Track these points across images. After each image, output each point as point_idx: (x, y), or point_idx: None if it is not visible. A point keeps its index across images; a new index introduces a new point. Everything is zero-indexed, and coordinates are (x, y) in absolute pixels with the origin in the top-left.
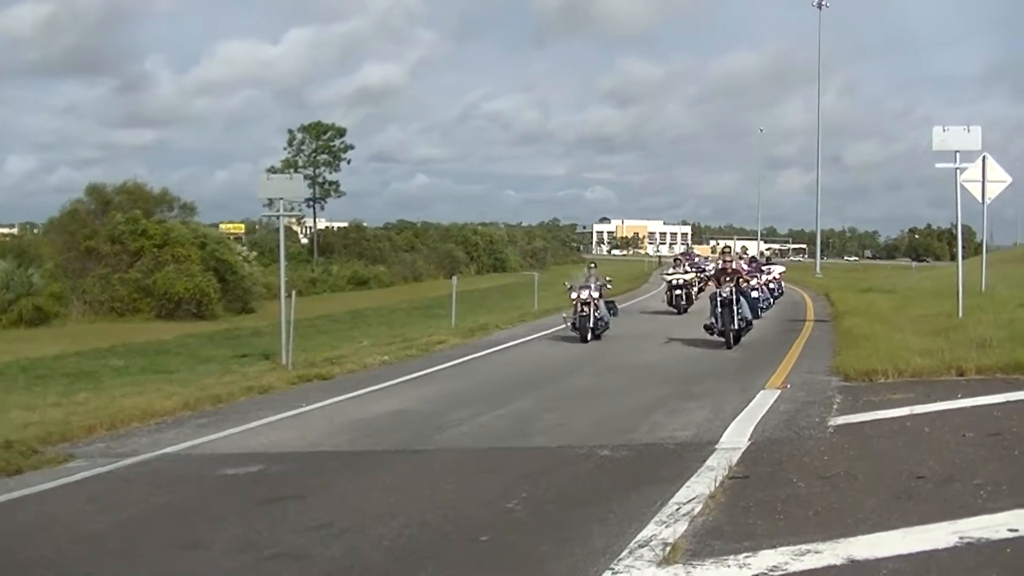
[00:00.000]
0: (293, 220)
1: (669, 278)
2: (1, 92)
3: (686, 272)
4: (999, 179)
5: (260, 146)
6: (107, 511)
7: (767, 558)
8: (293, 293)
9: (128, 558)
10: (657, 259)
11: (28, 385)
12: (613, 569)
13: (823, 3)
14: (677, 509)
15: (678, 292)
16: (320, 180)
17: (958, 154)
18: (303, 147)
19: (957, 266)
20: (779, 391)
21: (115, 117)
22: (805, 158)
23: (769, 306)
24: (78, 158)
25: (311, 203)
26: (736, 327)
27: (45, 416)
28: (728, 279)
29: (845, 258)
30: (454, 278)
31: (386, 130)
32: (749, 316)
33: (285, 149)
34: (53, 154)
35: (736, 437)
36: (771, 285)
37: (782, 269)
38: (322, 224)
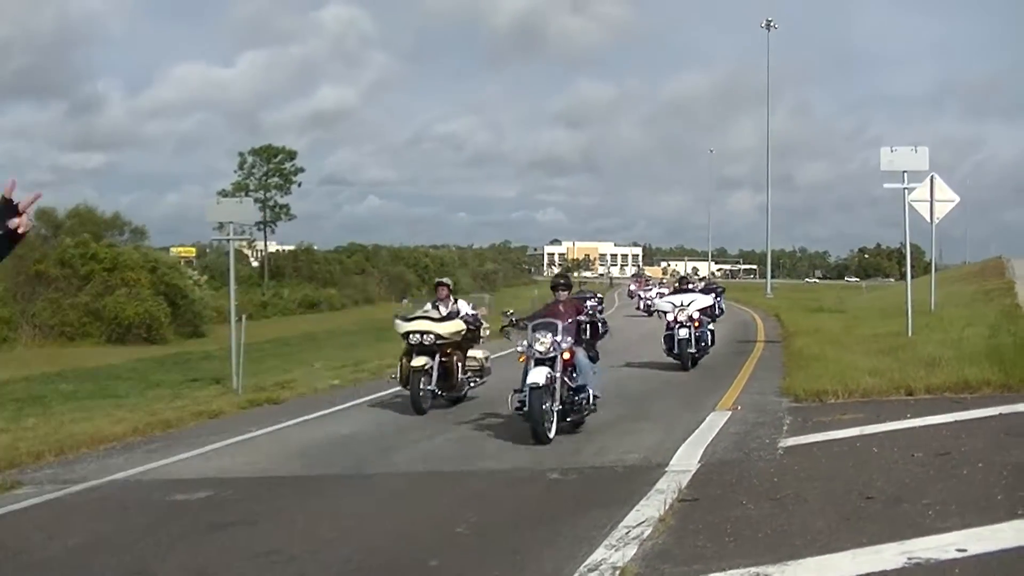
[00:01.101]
0: (244, 244)
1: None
2: None
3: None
4: (947, 199)
5: (212, 169)
6: (55, 538)
7: None
8: (243, 317)
9: None
10: (608, 280)
11: None
12: None
13: (771, 24)
14: (627, 532)
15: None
16: (271, 203)
17: (906, 174)
18: (254, 170)
19: (906, 286)
20: (730, 412)
21: (66, 140)
22: (756, 178)
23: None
24: (28, 181)
25: (262, 226)
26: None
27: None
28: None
29: (806, 280)
30: (404, 300)
31: (338, 152)
32: (708, 340)
33: (236, 172)
34: (2, 176)
35: (686, 459)
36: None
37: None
38: (273, 247)
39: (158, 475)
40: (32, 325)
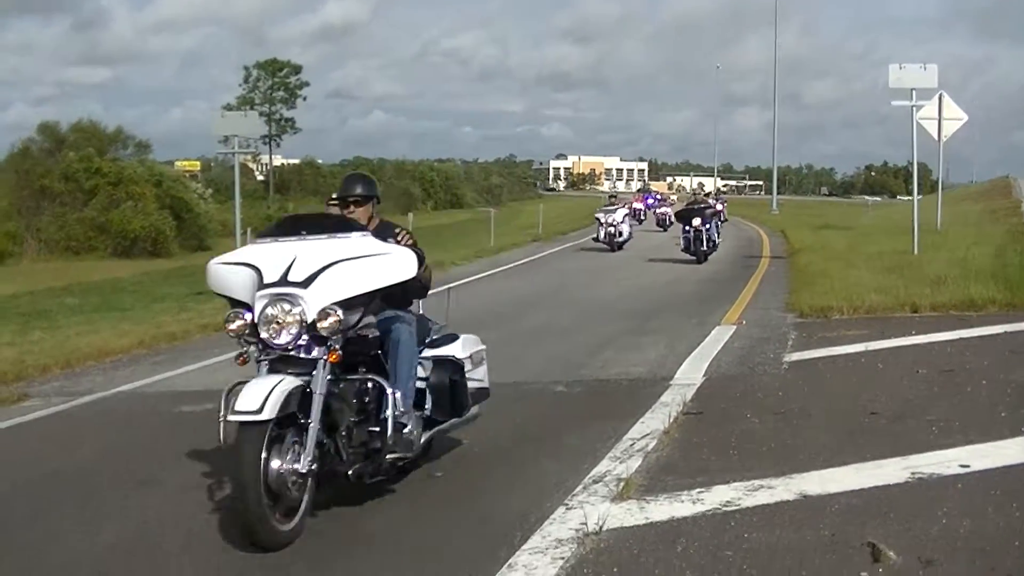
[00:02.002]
0: (248, 157)
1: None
2: None
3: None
4: (955, 117)
5: (217, 83)
6: (62, 450)
7: (720, 493)
8: (248, 230)
9: (83, 497)
10: (613, 195)
11: None
12: (567, 504)
13: None
14: (631, 445)
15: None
16: (276, 117)
17: (914, 92)
18: (259, 84)
19: (912, 204)
20: (734, 327)
21: (71, 55)
22: (763, 95)
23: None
24: (34, 96)
25: (267, 140)
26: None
27: None
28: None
29: (822, 190)
30: (410, 215)
31: (345, 67)
32: (716, 239)
33: (241, 86)
34: (7, 92)
35: (691, 373)
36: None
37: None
38: (278, 161)
39: (164, 387)
40: (37, 240)
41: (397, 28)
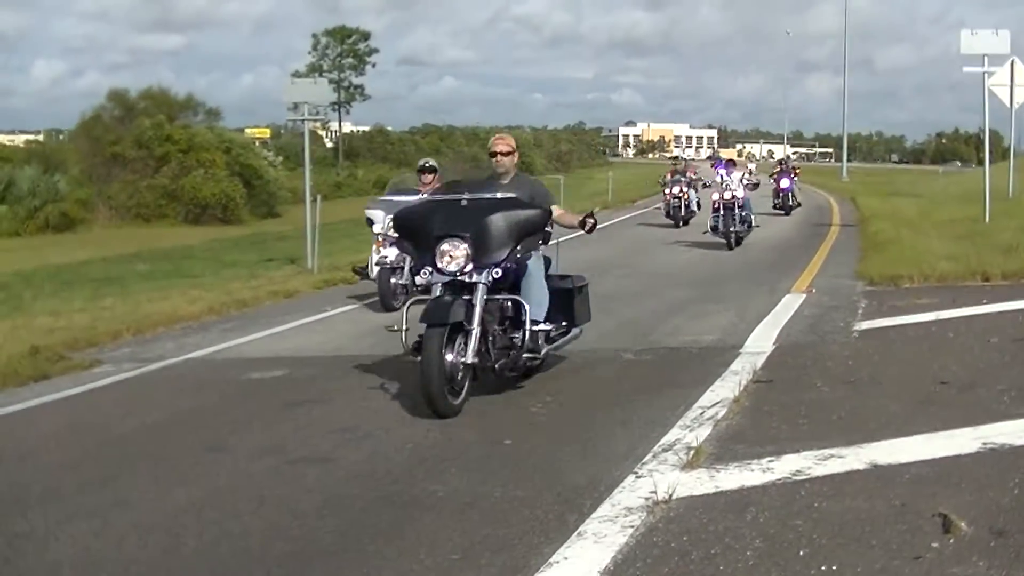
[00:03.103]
0: (318, 124)
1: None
2: None
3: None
4: None
5: (289, 50)
6: (133, 415)
7: (790, 462)
8: (318, 197)
9: (154, 461)
10: (684, 162)
11: (55, 291)
12: (637, 473)
13: None
14: (701, 413)
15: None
16: (345, 84)
17: (986, 58)
18: (328, 51)
19: (984, 171)
20: (804, 295)
21: (144, 22)
22: (835, 62)
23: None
24: (107, 63)
25: (336, 107)
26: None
27: (71, 322)
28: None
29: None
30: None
31: (416, 33)
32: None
33: (309, 53)
34: (82, 59)
35: (761, 341)
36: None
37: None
38: (348, 128)
39: (234, 354)
40: (109, 207)
41: None
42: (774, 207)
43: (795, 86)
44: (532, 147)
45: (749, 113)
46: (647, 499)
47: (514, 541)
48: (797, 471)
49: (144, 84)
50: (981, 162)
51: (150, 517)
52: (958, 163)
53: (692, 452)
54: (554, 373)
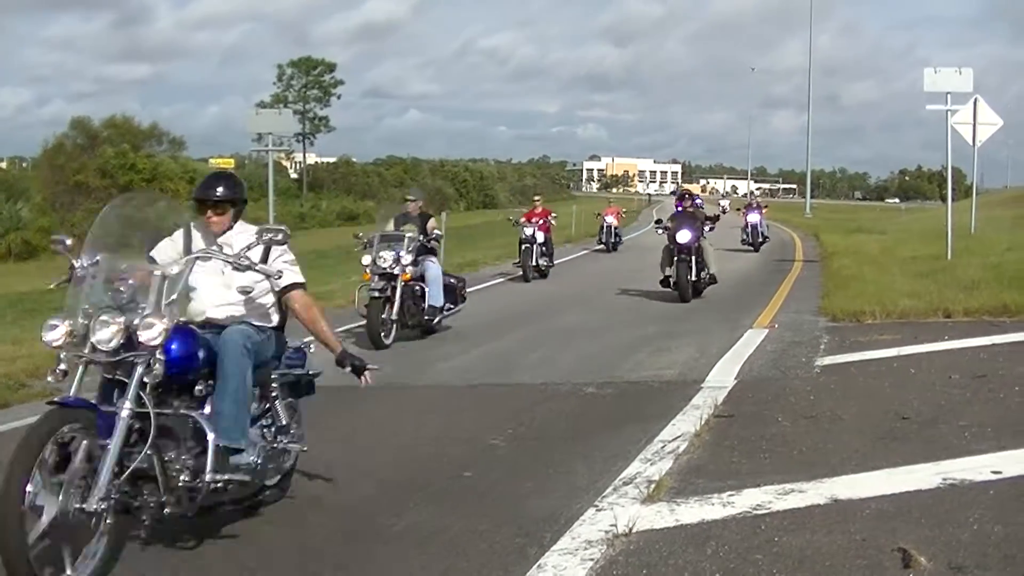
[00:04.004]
0: (282, 155)
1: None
2: None
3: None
4: (990, 122)
5: (256, 80)
6: None
7: (751, 497)
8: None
9: None
10: (647, 197)
11: (16, 319)
12: (597, 506)
13: None
14: (662, 447)
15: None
16: (310, 115)
17: (949, 96)
18: (293, 82)
19: (947, 208)
20: (767, 330)
21: (111, 51)
22: (800, 98)
23: None
24: (73, 91)
25: (301, 138)
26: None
27: (33, 350)
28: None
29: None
30: (444, 214)
31: (383, 65)
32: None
33: (275, 84)
34: (47, 87)
35: (722, 376)
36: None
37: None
38: (312, 159)
39: None
40: (72, 235)
41: (437, 27)
42: (742, 242)
43: (760, 122)
44: (496, 180)
45: (713, 148)
46: (607, 532)
47: (474, 574)
48: (758, 505)
49: (109, 113)
50: (944, 199)
51: None
52: (920, 200)
53: (653, 486)
54: (515, 406)
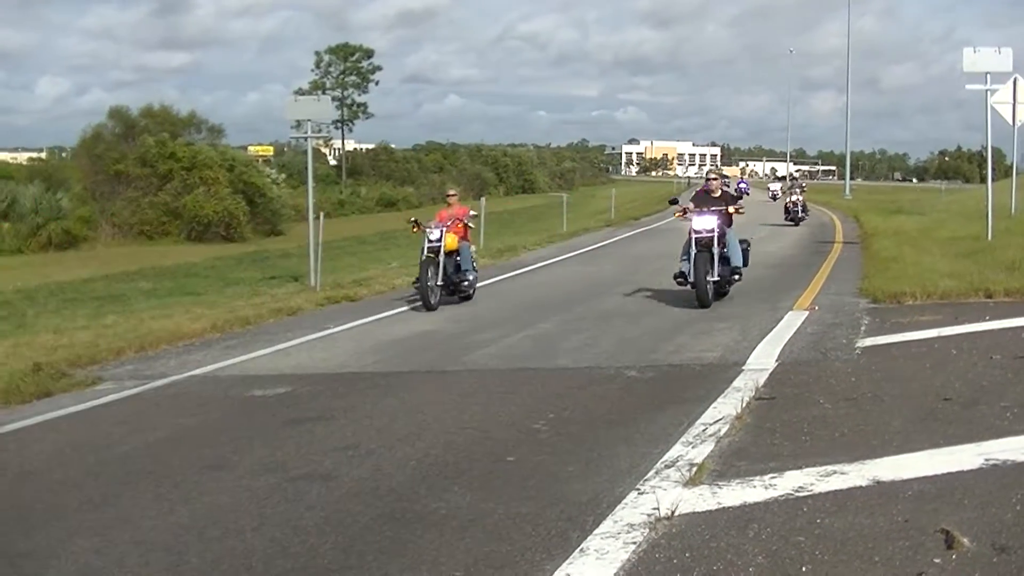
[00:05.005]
0: (321, 142)
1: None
2: (36, 14)
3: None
4: None
5: (296, 68)
6: (135, 433)
7: (793, 479)
8: (321, 215)
9: (156, 479)
10: (686, 180)
11: (57, 308)
12: (639, 489)
13: None
14: (703, 430)
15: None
16: (348, 102)
17: (989, 76)
18: (331, 69)
19: (987, 189)
20: (807, 313)
21: (151, 40)
22: (839, 80)
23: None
24: (111, 81)
25: (339, 125)
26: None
27: (74, 339)
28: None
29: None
30: (482, 199)
31: (422, 51)
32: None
33: (312, 71)
34: (86, 77)
35: (763, 358)
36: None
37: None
38: (351, 146)
39: (236, 371)
40: (111, 224)
41: (476, 12)
42: (786, 220)
43: (799, 104)
44: (535, 165)
45: (753, 131)
46: (649, 515)
47: (516, 558)
48: (799, 487)
49: (148, 102)
50: (983, 180)
51: (152, 535)
52: (960, 181)
53: (695, 469)
54: (557, 390)
